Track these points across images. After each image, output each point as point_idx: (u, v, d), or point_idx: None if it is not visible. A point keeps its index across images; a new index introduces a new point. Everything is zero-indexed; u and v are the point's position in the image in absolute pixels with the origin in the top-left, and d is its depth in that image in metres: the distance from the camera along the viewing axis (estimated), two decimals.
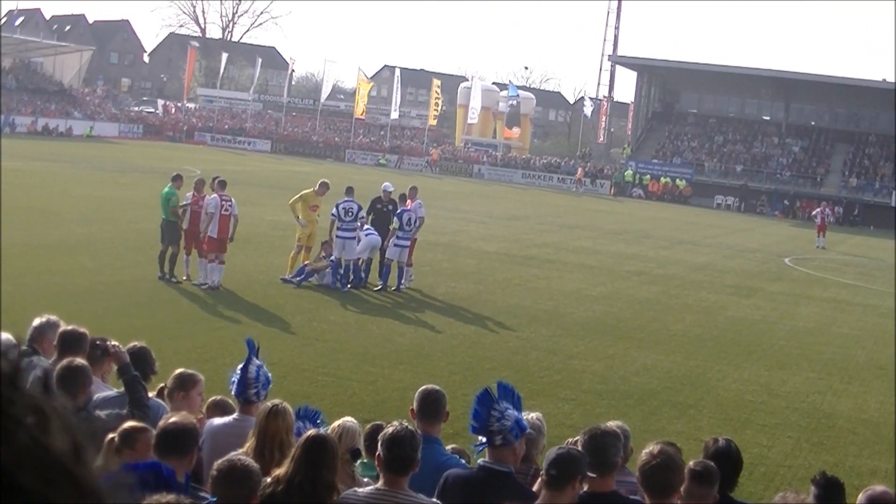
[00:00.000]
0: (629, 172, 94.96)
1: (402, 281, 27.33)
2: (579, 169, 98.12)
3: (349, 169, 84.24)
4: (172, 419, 6.97)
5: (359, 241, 26.71)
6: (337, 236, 26.61)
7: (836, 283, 39.81)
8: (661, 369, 20.83)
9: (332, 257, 26.62)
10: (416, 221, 27.42)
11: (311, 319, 22.52)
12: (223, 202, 25.13)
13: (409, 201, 27.94)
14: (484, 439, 7.22)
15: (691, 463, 7.28)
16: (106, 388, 8.74)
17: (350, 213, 26.67)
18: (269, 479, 6.53)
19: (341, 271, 26.70)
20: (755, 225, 71.95)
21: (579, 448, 6.99)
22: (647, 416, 17.14)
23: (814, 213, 60.37)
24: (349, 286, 26.60)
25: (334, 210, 26.74)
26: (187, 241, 25.50)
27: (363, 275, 27.26)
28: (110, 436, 7.01)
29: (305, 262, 26.95)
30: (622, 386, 19.11)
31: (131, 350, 8.74)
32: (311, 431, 6.83)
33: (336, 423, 7.53)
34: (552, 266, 35.68)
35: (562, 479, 6.60)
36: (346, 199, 27.05)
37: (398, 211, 27.35)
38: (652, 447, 7.05)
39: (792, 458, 15.68)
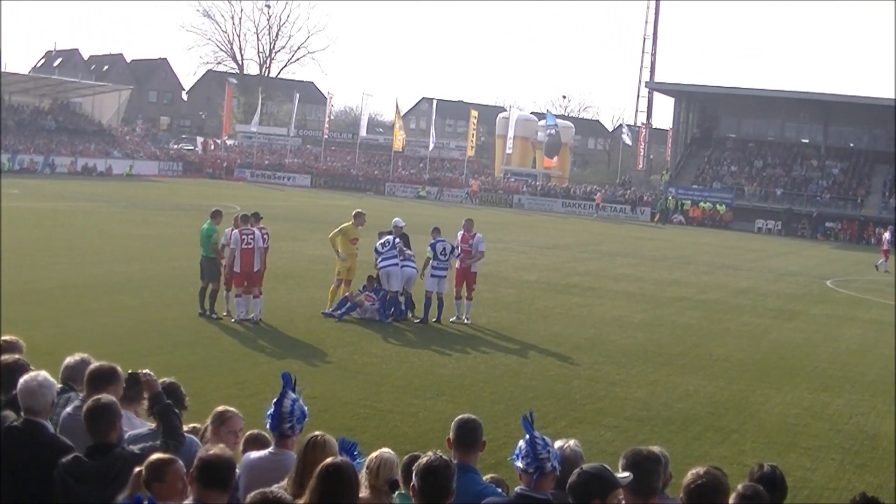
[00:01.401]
0: (671, 199, 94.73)
1: (443, 312, 27.33)
2: (598, 194, 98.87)
3: (389, 202, 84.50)
4: (212, 451, 6.95)
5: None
6: (380, 268, 26.75)
7: (878, 305, 39.57)
8: (703, 394, 20.74)
9: (381, 290, 26.75)
10: (452, 251, 27.38)
11: (353, 352, 22.53)
12: (243, 236, 25.24)
13: (463, 233, 27.99)
14: (531, 469, 7.19)
15: (739, 487, 7.19)
16: (140, 424, 8.77)
17: (387, 244, 26.83)
18: None
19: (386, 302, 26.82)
20: (796, 248, 71.73)
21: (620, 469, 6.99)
22: (691, 441, 17.08)
23: (885, 235, 59.96)
24: (390, 319, 26.65)
25: (376, 256, 27.01)
26: (227, 277, 25.62)
27: (403, 307, 27.26)
28: (137, 469, 7.02)
29: (346, 294, 26.97)
30: (665, 412, 19.02)
31: (162, 386, 8.75)
32: (328, 460, 6.81)
33: (373, 455, 7.52)
34: (593, 294, 35.64)
35: None
36: (381, 238, 27.33)
37: (431, 241, 27.41)
38: (698, 469, 7.02)
39: (836, 480, 15.55)
